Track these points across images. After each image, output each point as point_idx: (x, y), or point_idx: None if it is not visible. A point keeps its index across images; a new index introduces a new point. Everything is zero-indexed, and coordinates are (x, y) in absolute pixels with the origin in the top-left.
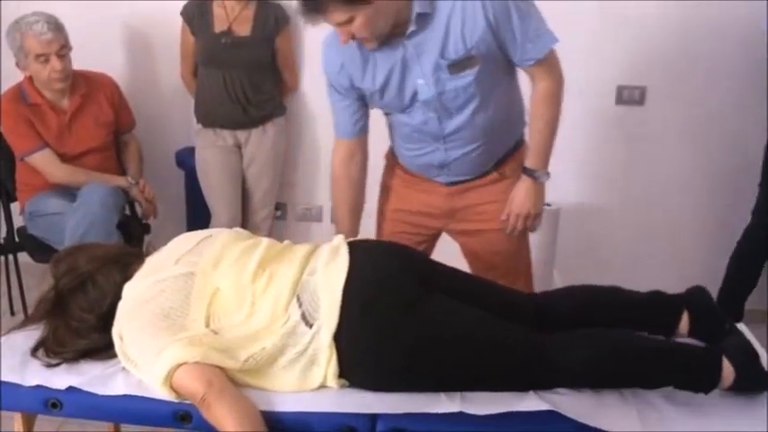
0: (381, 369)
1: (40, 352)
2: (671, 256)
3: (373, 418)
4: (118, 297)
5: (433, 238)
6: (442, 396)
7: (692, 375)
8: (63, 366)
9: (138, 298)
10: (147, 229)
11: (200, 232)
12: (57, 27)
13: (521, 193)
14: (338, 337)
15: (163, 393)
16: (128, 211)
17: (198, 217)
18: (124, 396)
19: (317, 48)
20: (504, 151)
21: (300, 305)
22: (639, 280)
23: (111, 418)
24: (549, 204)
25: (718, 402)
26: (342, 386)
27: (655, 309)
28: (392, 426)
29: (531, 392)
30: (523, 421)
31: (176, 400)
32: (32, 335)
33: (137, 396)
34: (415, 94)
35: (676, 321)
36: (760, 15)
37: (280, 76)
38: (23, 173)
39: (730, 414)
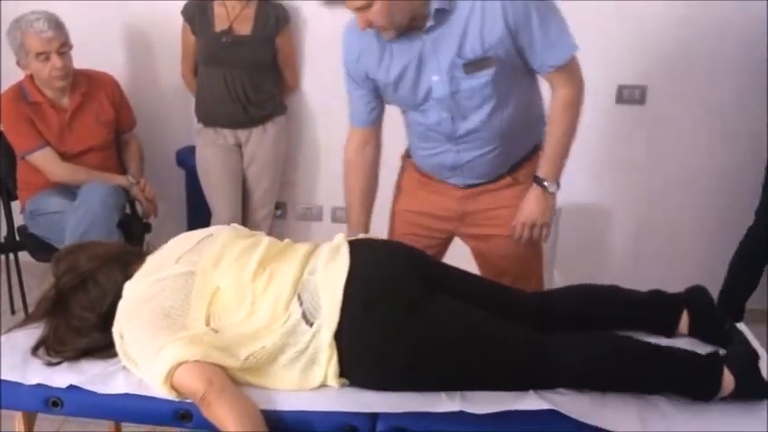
0: (384, 368)
1: (41, 351)
2: (671, 255)
3: (374, 417)
4: (118, 296)
5: (445, 242)
6: (443, 395)
7: (692, 382)
8: (64, 365)
9: (139, 297)
10: (147, 228)
11: (200, 231)
12: (57, 25)
13: (530, 201)
14: (339, 337)
15: (163, 392)
16: (128, 210)
17: (198, 216)
18: (125, 395)
19: (317, 47)
20: (521, 155)
21: (301, 304)
22: (639, 280)
23: (111, 416)
24: None
25: (719, 403)
26: (342, 385)
27: (655, 308)
28: (393, 425)
29: (532, 392)
30: (524, 420)
31: (177, 399)
32: (33, 333)
33: (137, 395)
34: (429, 92)
35: (676, 321)
36: (760, 15)
37: (280, 76)
38: (24, 172)
39: (731, 414)
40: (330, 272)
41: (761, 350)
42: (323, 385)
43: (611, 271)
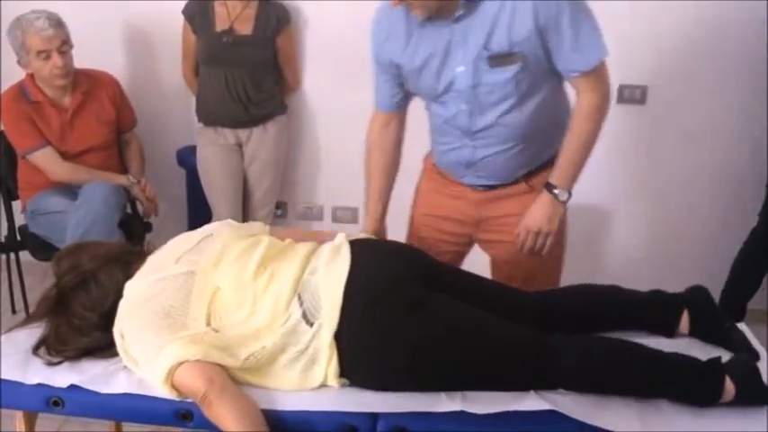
0: (384, 368)
1: (42, 350)
2: (671, 255)
3: (374, 416)
4: (120, 295)
5: (463, 247)
6: (443, 395)
7: (692, 388)
8: (65, 365)
9: (139, 296)
10: (148, 227)
11: (199, 231)
12: (58, 23)
13: (536, 207)
14: (339, 337)
15: (164, 392)
16: (129, 210)
17: (199, 216)
18: (126, 394)
19: (318, 47)
20: (539, 160)
21: (301, 304)
22: (639, 280)
23: (112, 416)
24: None
25: (719, 405)
26: (342, 385)
27: (655, 308)
28: (393, 425)
29: (532, 392)
30: (524, 421)
31: (178, 399)
32: (34, 333)
33: (138, 394)
34: (451, 83)
35: (677, 321)
36: (760, 15)
37: (281, 75)
38: (25, 171)
39: (731, 414)
40: (331, 272)
41: (761, 350)
42: (323, 385)
43: (612, 271)
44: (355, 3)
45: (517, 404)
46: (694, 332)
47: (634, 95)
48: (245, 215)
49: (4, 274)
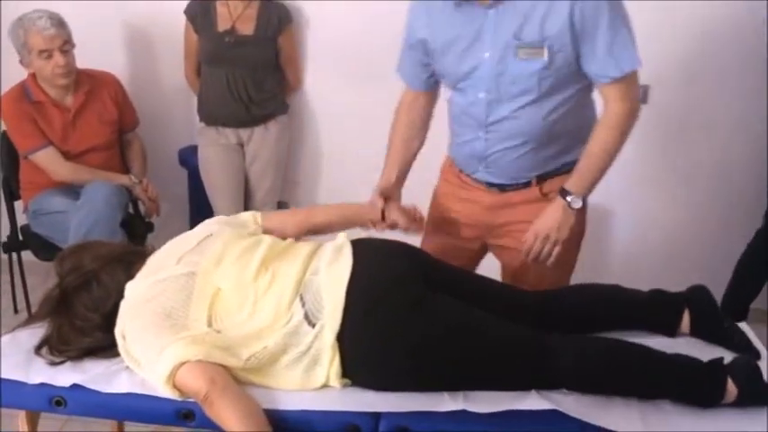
0: (387, 368)
1: (44, 350)
2: (672, 255)
3: (376, 416)
4: (122, 296)
5: (476, 252)
6: (445, 395)
7: (694, 388)
8: (67, 364)
9: (140, 297)
10: (150, 227)
11: (199, 231)
12: (59, 23)
13: (548, 213)
14: (341, 338)
15: (166, 392)
16: (131, 210)
17: (201, 215)
18: (128, 394)
19: (319, 47)
20: (552, 166)
21: (303, 305)
22: (640, 279)
23: (114, 416)
24: None
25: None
26: (344, 386)
27: (656, 308)
28: (395, 424)
29: (534, 392)
30: (526, 420)
31: (180, 399)
32: (36, 333)
33: (140, 394)
34: (474, 68)
35: (678, 320)
36: (760, 15)
37: (282, 75)
38: (27, 171)
39: (733, 415)
40: (333, 272)
41: (762, 349)
42: (325, 386)
43: (613, 271)
44: (357, 3)
45: (519, 404)
46: (695, 332)
47: None
48: None
49: (7, 275)
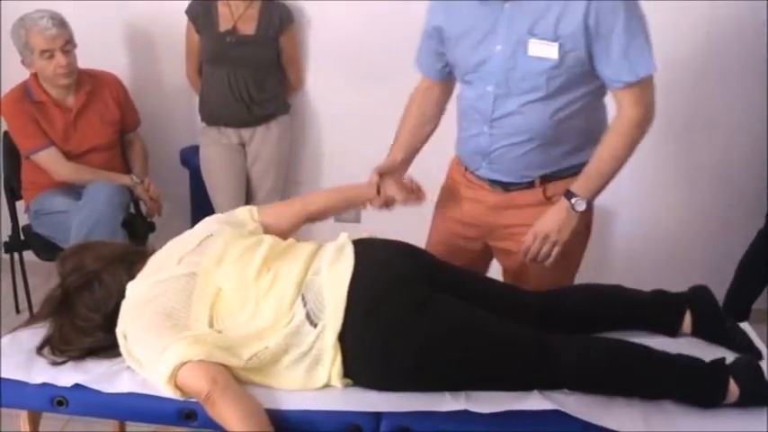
0: (390, 368)
1: (46, 350)
2: (673, 255)
3: (378, 416)
4: (123, 296)
5: (479, 253)
6: (447, 395)
7: (695, 388)
8: (69, 364)
9: (141, 297)
10: (151, 227)
11: (198, 231)
12: (61, 23)
13: (550, 213)
14: (343, 338)
15: (167, 392)
16: (132, 210)
17: (202, 215)
18: (130, 394)
19: (321, 47)
20: (556, 166)
21: (305, 305)
22: (642, 280)
23: (116, 415)
24: None
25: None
26: (346, 386)
27: (657, 308)
28: (397, 424)
29: (536, 392)
30: (528, 420)
31: (181, 399)
32: (38, 333)
33: (142, 394)
34: (484, 60)
35: (679, 321)
36: (761, 15)
37: (284, 75)
38: (29, 171)
39: (735, 415)
40: (334, 272)
41: (763, 349)
42: (327, 386)
43: (614, 271)
44: (358, 3)
45: (521, 404)
46: (697, 332)
47: None
48: None
49: (8, 275)
